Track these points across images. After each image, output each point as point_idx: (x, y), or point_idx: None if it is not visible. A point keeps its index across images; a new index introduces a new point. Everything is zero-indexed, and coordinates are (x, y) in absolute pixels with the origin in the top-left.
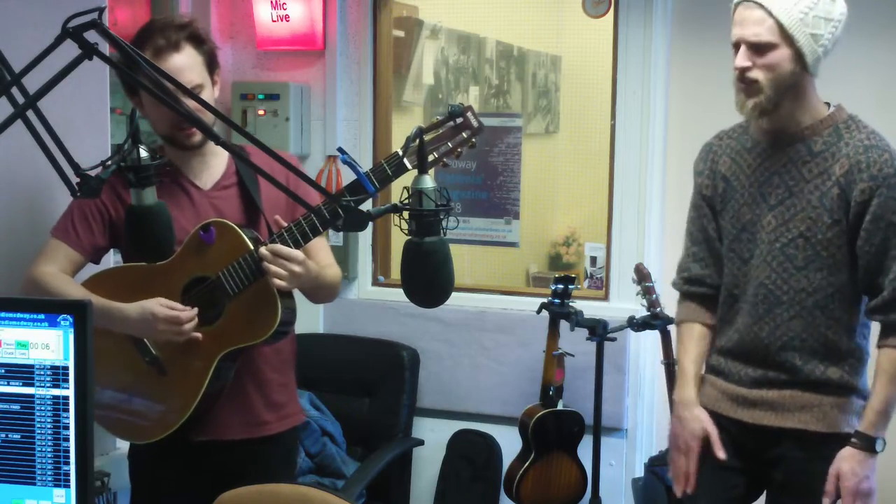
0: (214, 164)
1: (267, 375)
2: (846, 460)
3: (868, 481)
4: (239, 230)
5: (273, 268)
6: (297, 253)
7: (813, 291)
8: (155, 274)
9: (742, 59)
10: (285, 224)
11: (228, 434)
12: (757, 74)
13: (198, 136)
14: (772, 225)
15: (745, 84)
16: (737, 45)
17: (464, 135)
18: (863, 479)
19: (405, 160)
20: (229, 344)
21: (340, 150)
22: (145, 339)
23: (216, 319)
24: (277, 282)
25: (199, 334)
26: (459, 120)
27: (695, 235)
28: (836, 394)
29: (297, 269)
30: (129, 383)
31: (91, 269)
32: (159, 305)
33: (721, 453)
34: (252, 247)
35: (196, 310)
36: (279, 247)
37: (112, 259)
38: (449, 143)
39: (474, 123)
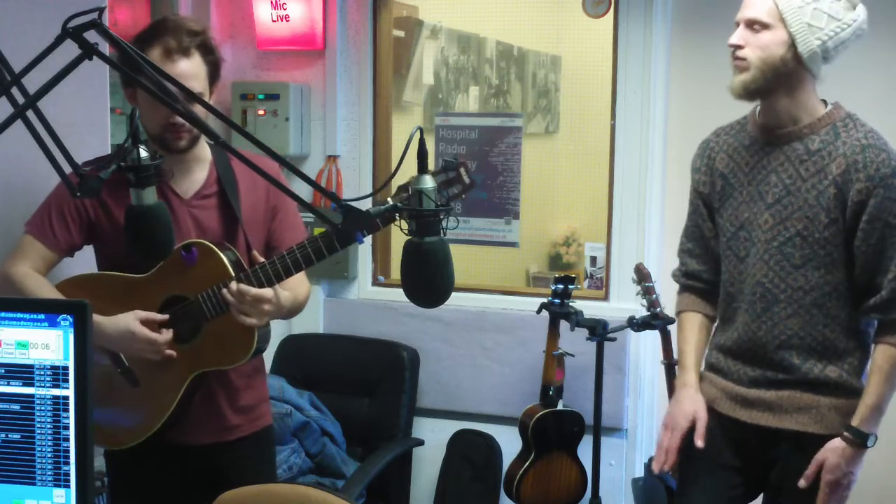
0: (196, 172)
1: (236, 383)
2: (834, 452)
3: (851, 476)
4: (222, 255)
5: (238, 312)
6: (267, 292)
7: (810, 290)
8: (133, 287)
9: (736, 36)
10: (262, 260)
11: (200, 439)
12: (747, 53)
13: (185, 140)
14: (769, 223)
15: (735, 61)
16: (737, 26)
17: (454, 190)
18: (846, 475)
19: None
20: (203, 365)
21: (332, 195)
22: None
23: (192, 338)
24: (246, 320)
25: (173, 352)
26: (452, 174)
27: (690, 231)
28: (835, 395)
29: (266, 307)
30: (100, 391)
31: (66, 269)
32: (137, 323)
33: (700, 441)
34: (233, 273)
35: (171, 332)
36: (247, 288)
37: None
38: None
39: (466, 180)
